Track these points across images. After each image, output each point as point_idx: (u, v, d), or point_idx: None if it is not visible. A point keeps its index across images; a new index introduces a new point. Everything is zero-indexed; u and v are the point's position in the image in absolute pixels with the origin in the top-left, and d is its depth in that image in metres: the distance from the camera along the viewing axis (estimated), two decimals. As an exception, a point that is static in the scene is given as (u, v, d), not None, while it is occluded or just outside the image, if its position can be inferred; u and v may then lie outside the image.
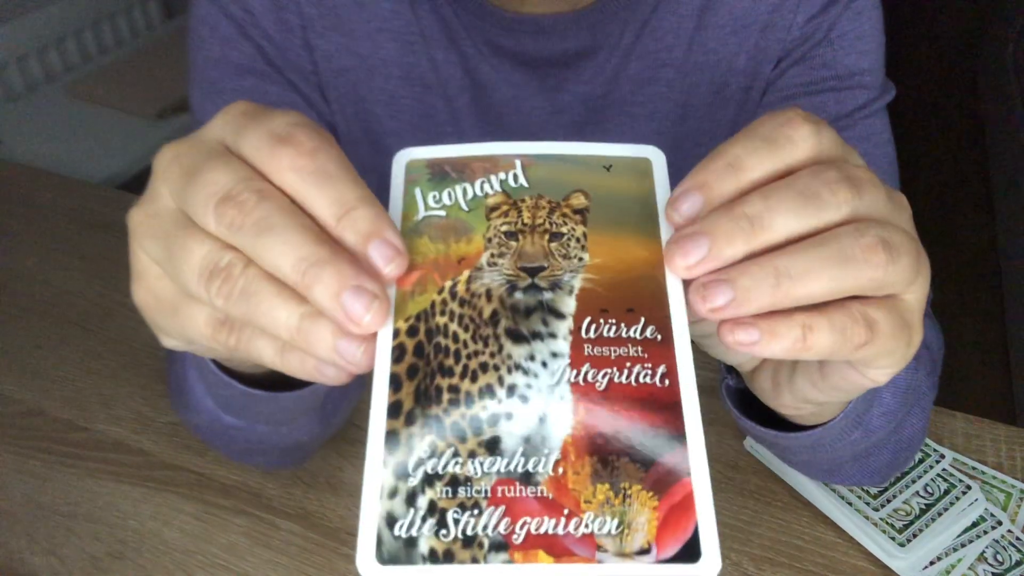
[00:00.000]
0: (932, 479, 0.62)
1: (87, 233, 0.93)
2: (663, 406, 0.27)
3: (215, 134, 0.29)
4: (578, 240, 0.30)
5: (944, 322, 0.60)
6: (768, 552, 0.59)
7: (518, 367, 0.28)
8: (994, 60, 2.61)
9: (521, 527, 0.25)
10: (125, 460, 0.67)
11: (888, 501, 0.60)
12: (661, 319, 0.28)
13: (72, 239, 0.92)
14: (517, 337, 0.28)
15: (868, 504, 0.60)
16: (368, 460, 0.26)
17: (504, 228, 0.30)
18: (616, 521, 0.25)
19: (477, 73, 0.58)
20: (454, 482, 0.26)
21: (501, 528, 0.25)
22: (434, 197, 0.31)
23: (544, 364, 0.28)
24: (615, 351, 0.28)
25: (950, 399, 0.67)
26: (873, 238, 0.27)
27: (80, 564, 0.60)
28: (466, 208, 0.31)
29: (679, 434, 0.26)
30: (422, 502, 0.25)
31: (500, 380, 0.27)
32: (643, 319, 0.28)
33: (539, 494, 0.26)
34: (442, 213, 0.31)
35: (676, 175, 0.31)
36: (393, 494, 0.25)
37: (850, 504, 0.60)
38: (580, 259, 0.30)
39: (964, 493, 0.60)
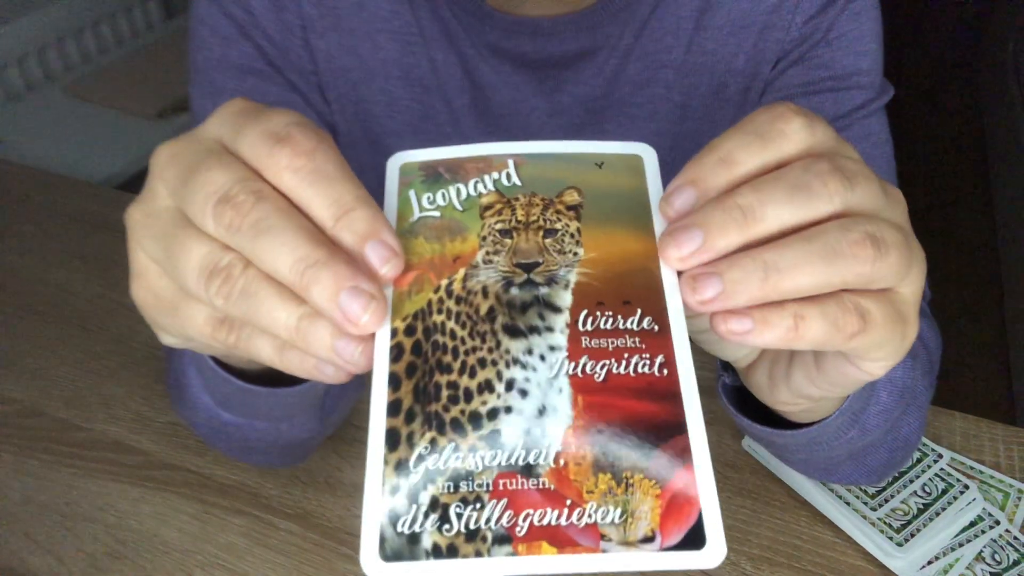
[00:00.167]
0: (930, 479, 0.62)
1: (87, 233, 0.93)
2: (663, 395, 0.27)
3: (212, 132, 0.29)
4: (572, 236, 0.30)
5: (944, 322, 0.60)
6: (766, 552, 0.59)
7: (516, 361, 0.28)
8: (994, 60, 2.61)
9: (524, 519, 0.25)
10: (124, 460, 0.67)
11: (886, 501, 0.60)
12: (657, 311, 0.29)
13: (72, 239, 0.92)
14: (514, 332, 0.28)
15: (866, 504, 0.60)
16: (369, 458, 0.26)
17: (498, 226, 0.31)
18: (619, 510, 0.25)
19: (476, 74, 0.58)
20: (455, 477, 0.26)
21: (504, 521, 0.25)
22: (428, 198, 0.32)
23: (542, 358, 0.28)
24: (613, 343, 0.28)
25: (949, 399, 0.68)
26: (861, 233, 0.27)
27: (79, 564, 0.60)
28: (460, 208, 0.31)
29: (680, 422, 0.27)
30: (424, 498, 0.25)
31: (499, 375, 0.28)
32: (640, 311, 0.28)
33: (541, 486, 0.26)
34: (437, 214, 0.31)
35: (675, 175, 0.31)
36: (395, 491, 0.26)
37: (848, 504, 0.60)
38: (575, 254, 0.30)
39: (962, 493, 0.61)
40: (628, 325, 0.28)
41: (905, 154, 0.58)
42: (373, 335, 0.28)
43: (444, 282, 0.29)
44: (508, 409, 0.27)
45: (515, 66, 0.57)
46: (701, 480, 0.26)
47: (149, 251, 0.29)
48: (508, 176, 0.32)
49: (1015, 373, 1.81)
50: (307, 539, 0.61)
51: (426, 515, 0.25)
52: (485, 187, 0.32)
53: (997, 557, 0.58)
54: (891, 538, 0.58)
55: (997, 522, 0.60)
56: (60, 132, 1.65)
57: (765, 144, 0.29)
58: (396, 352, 0.28)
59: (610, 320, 0.28)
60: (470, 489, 0.26)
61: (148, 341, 0.78)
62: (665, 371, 0.27)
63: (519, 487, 0.26)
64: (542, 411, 0.27)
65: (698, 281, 0.27)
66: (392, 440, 0.26)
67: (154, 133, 1.64)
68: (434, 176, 0.32)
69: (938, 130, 2.62)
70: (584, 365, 0.28)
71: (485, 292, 0.29)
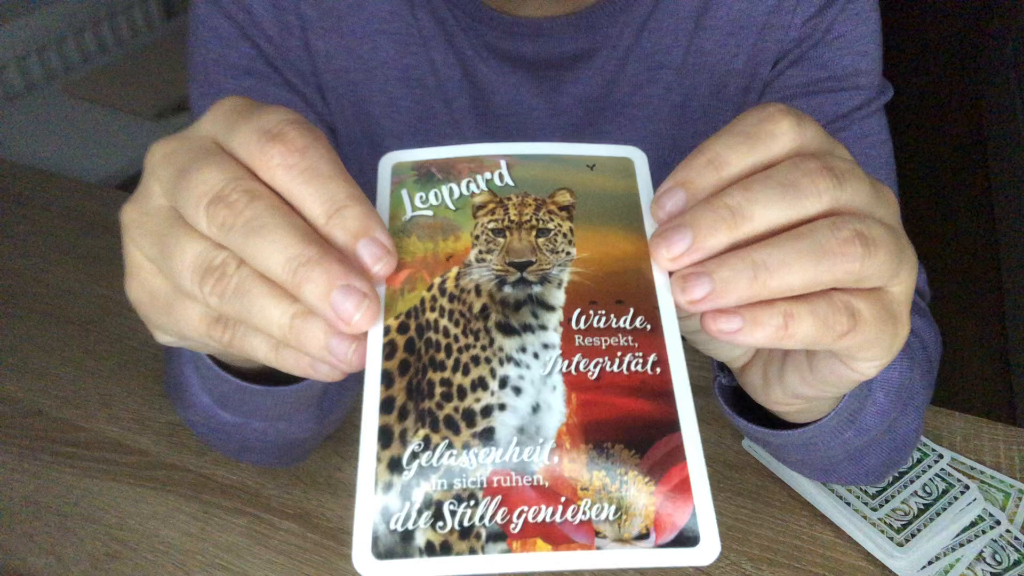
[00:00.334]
0: (930, 479, 0.62)
1: (86, 233, 0.93)
2: (655, 393, 0.27)
3: (206, 131, 0.29)
4: (565, 235, 0.30)
5: (944, 322, 0.60)
6: (767, 552, 0.59)
7: (510, 359, 0.28)
8: (994, 60, 2.61)
9: (518, 516, 0.25)
10: (124, 460, 0.67)
11: (886, 501, 0.60)
12: (650, 310, 0.29)
13: (71, 239, 0.92)
14: (508, 330, 0.28)
15: (866, 504, 0.60)
16: (362, 455, 0.26)
17: (491, 225, 0.31)
18: (613, 507, 0.25)
19: (476, 75, 0.58)
20: (449, 474, 0.26)
21: (498, 518, 0.25)
22: (421, 198, 0.32)
23: (536, 355, 0.28)
24: (606, 341, 0.28)
25: (949, 399, 0.68)
26: (850, 231, 0.27)
27: (79, 564, 0.60)
28: (453, 207, 0.31)
29: (673, 420, 0.27)
30: (417, 495, 0.25)
31: (492, 372, 0.28)
32: (632, 310, 0.29)
33: (535, 483, 0.26)
34: (429, 213, 0.31)
35: None
36: (388, 488, 0.25)
37: (848, 504, 0.60)
38: (568, 253, 0.30)
39: (962, 493, 0.60)
40: (621, 324, 0.28)
41: (905, 154, 0.58)
42: (366, 333, 0.28)
43: (437, 280, 0.29)
44: (502, 406, 0.27)
45: (514, 67, 0.57)
46: (694, 477, 0.26)
47: (144, 249, 0.29)
48: (500, 176, 0.32)
49: (1015, 373, 1.81)
50: (307, 539, 0.61)
51: (419, 512, 0.25)
52: (478, 187, 0.32)
53: (998, 557, 0.58)
54: (891, 538, 0.58)
55: (998, 522, 0.60)
56: (60, 132, 1.65)
57: (754, 145, 0.29)
58: (389, 350, 0.28)
59: (603, 319, 0.28)
60: (464, 486, 0.25)
61: (148, 341, 0.78)
62: (658, 370, 0.28)
63: (513, 484, 0.26)
64: (536, 408, 0.27)
65: (688, 281, 0.28)
66: (385, 437, 0.26)
67: (153, 133, 1.64)
68: (427, 176, 0.32)
69: (938, 130, 2.62)
70: (578, 363, 0.28)
71: (478, 290, 0.29)
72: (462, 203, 0.31)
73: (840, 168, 0.28)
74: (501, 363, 0.28)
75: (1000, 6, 2.68)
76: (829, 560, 0.59)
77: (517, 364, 0.28)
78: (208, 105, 0.58)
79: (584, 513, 0.25)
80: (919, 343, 0.53)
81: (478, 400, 0.27)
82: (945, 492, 0.61)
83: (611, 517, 0.25)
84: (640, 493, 0.25)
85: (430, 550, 0.25)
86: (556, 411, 0.27)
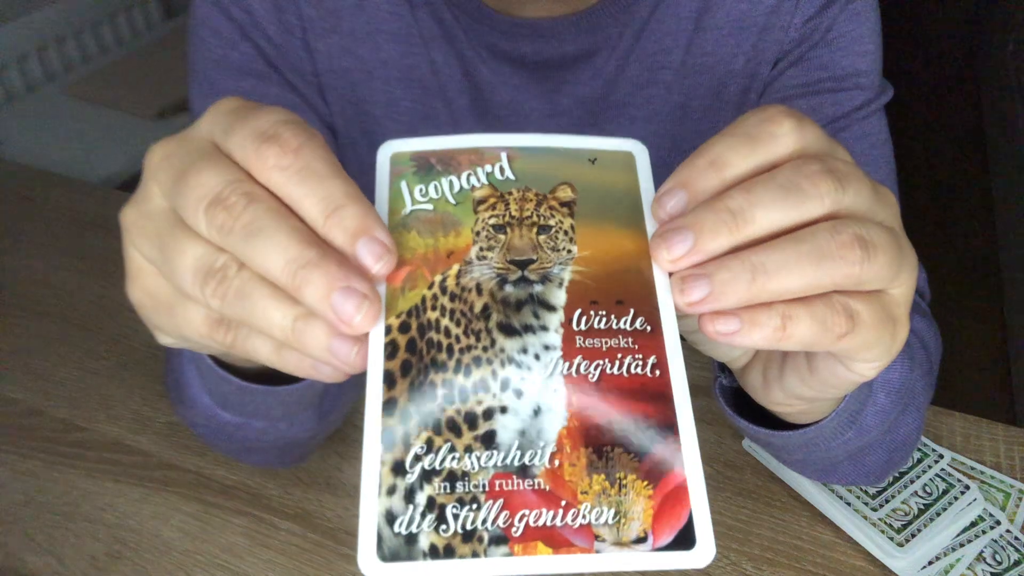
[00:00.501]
0: (931, 479, 0.62)
1: (87, 233, 0.93)
2: (654, 396, 0.27)
3: (204, 132, 0.29)
4: (566, 233, 0.30)
5: (944, 322, 0.60)
6: (767, 552, 0.59)
7: (511, 361, 0.28)
8: (994, 60, 2.61)
9: (520, 520, 0.25)
10: (124, 460, 0.68)
11: (887, 501, 0.60)
12: (649, 311, 0.29)
13: (72, 239, 0.92)
14: (509, 331, 0.28)
15: (867, 504, 0.60)
16: (365, 458, 0.26)
17: (492, 221, 0.31)
18: (612, 511, 0.26)
19: (476, 75, 0.58)
20: (451, 477, 0.26)
21: (500, 521, 0.25)
22: (420, 191, 0.31)
23: (537, 357, 0.28)
24: (606, 343, 0.28)
25: (949, 399, 0.68)
26: (850, 235, 0.27)
27: (79, 564, 0.60)
28: (453, 201, 0.31)
29: (671, 423, 0.27)
30: (420, 498, 0.26)
31: (494, 374, 0.28)
32: (632, 311, 0.29)
33: (536, 487, 0.26)
34: (429, 207, 0.31)
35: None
36: (391, 491, 0.26)
37: (849, 504, 0.60)
38: (569, 251, 0.30)
39: (963, 493, 0.61)
40: (621, 325, 0.28)
41: (905, 154, 0.58)
42: (368, 334, 0.28)
43: (438, 278, 0.29)
44: (503, 409, 0.27)
45: (515, 67, 0.57)
46: (691, 481, 0.26)
47: (144, 252, 0.29)
48: (501, 170, 0.32)
49: (1015, 373, 1.81)
50: (307, 539, 0.61)
51: (423, 515, 0.25)
52: (478, 180, 0.32)
53: (998, 557, 0.58)
54: (892, 538, 0.58)
55: (998, 522, 0.60)
56: (60, 132, 1.65)
57: (755, 146, 0.29)
58: (391, 350, 0.28)
59: (603, 320, 0.28)
60: (466, 490, 0.26)
61: (148, 341, 0.78)
62: (657, 372, 0.28)
63: (515, 488, 0.26)
64: (537, 411, 0.27)
65: (687, 283, 0.28)
66: (388, 440, 0.26)
67: (154, 133, 1.64)
68: (426, 168, 0.32)
69: (938, 130, 2.62)
70: (578, 365, 0.28)
71: (479, 289, 0.29)
72: (462, 197, 0.31)
73: (841, 170, 0.28)
74: (502, 364, 0.28)
75: (1000, 6, 2.68)
76: (829, 560, 0.59)
77: (518, 366, 0.28)
78: (208, 105, 0.58)
79: (584, 517, 0.25)
80: (919, 343, 0.53)
81: (480, 402, 0.27)
82: (945, 492, 0.61)
83: (610, 521, 0.25)
84: (638, 497, 0.26)
85: (434, 553, 0.25)
86: (557, 414, 0.27)
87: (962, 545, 0.58)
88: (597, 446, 0.26)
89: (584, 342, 0.28)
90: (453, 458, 0.26)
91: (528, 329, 0.28)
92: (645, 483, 0.26)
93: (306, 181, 0.27)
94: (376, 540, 0.25)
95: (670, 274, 0.29)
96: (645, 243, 0.30)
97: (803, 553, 0.59)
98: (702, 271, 0.27)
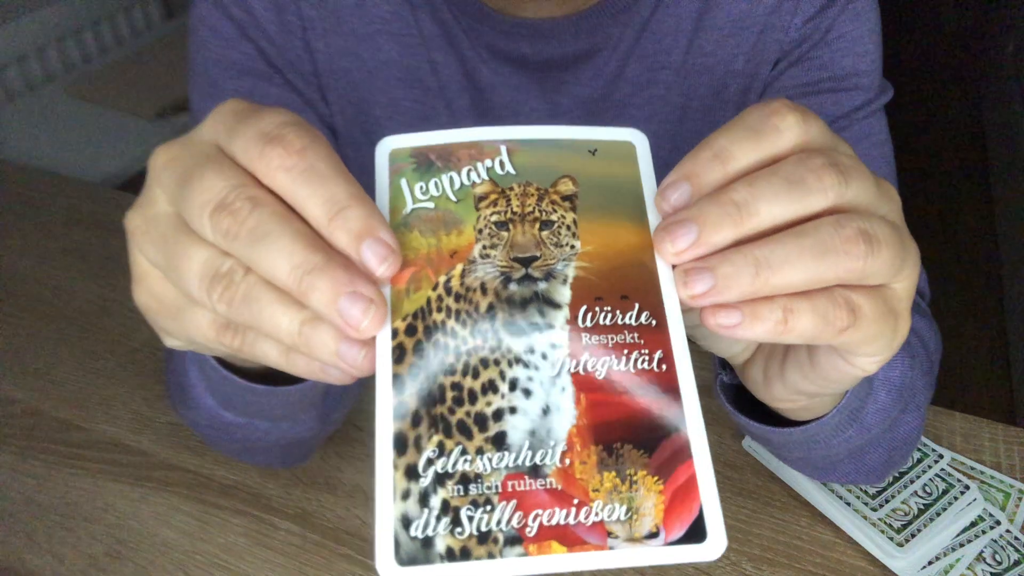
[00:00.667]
0: (931, 479, 0.62)
1: (87, 233, 0.93)
2: (662, 391, 0.27)
3: (208, 135, 0.29)
4: (568, 228, 0.30)
5: (944, 322, 0.60)
6: (767, 552, 0.59)
7: (518, 360, 0.28)
8: (994, 60, 2.61)
9: (533, 520, 0.26)
10: (124, 460, 0.68)
11: (887, 501, 0.60)
12: (654, 305, 0.29)
13: (72, 239, 0.92)
14: (515, 330, 0.28)
15: (867, 504, 0.60)
16: (378, 463, 0.26)
17: (494, 218, 0.30)
18: (624, 508, 0.26)
19: (476, 76, 0.58)
20: (465, 480, 0.26)
21: (514, 522, 0.26)
22: (421, 188, 0.31)
23: (544, 356, 0.28)
24: (612, 339, 0.28)
25: (949, 398, 0.68)
26: (853, 230, 0.27)
27: (79, 564, 0.60)
28: (454, 199, 0.31)
29: (679, 417, 0.27)
30: (435, 502, 0.26)
31: (502, 375, 0.28)
32: (637, 305, 0.29)
33: (548, 486, 0.26)
34: (430, 205, 0.31)
35: None
36: (406, 495, 0.26)
37: (849, 504, 0.60)
38: (572, 247, 0.30)
39: (962, 493, 0.61)
40: (626, 320, 0.28)
41: (905, 154, 0.58)
42: (375, 338, 0.28)
43: (442, 279, 0.29)
44: (513, 410, 0.27)
45: (515, 68, 0.57)
46: (701, 474, 0.26)
47: (150, 256, 0.29)
48: (501, 164, 0.32)
49: (1015, 373, 1.81)
50: (307, 539, 0.61)
51: (438, 519, 0.25)
52: (478, 176, 0.31)
53: (998, 557, 0.58)
54: (892, 538, 0.58)
55: (998, 522, 0.60)
56: (60, 132, 1.65)
57: (759, 140, 0.29)
58: (398, 354, 0.28)
59: (609, 316, 0.28)
60: (480, 492, 0.26)
61: (148, 341, 0.78)
62: (664, 366, 0.28)
63: (527, 488, 0.26)
64: (546, 411, 0.27)
65: (690, 276, 0.28)
66: (400, 444, 0.26)
67: (154, 133, 1.65)
68: (426, 164, 0.32)
69: (938, 130, 2.62)
70: (585, 362, 0.28)
71: (484, 288, 0.29)
72: (463, 194, 0.31)
73: (845, 164, 0.28)
74: (510, 365, 0.28)
75: (1000, 6, 2.68)
76: (829, 560, 0.59)
77: (526, 365, 0.28)
78: (209, 105, 0.58)
79: (596, 514, 0.26)
80: (920, 343, 0.53)
81: (489, 404, 0.27)
82: (945, 492, 0.61)
83: (622, 517, 0.26)
84: (649, 492, 0.26)
85: (450, 555, 0.25)
86: (566, 413, 0.27)
87: (962, 545, 0.58)
88: (607, 443, 0.27)
89: (590, 339, 0.28)
90: (465, 460, 0.26)
91: (534, 327, 0.28)
92: (655, 478, 0.26)
93: (310, 182, 0.27)
94: (394, 545, 0.25)
95: (673, 267, 0.29)
96: (648, 236, 0.30)
97: (803, 553, 0.59)
98: (705, 264, 0.27)
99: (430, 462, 0.26)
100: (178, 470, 0.66)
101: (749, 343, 0.39)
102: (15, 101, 1.73)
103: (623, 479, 0.26)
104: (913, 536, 0.58)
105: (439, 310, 0.28)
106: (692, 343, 0.30)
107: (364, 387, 0.61)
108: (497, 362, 0.28)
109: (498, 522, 0.25)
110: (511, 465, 0.26)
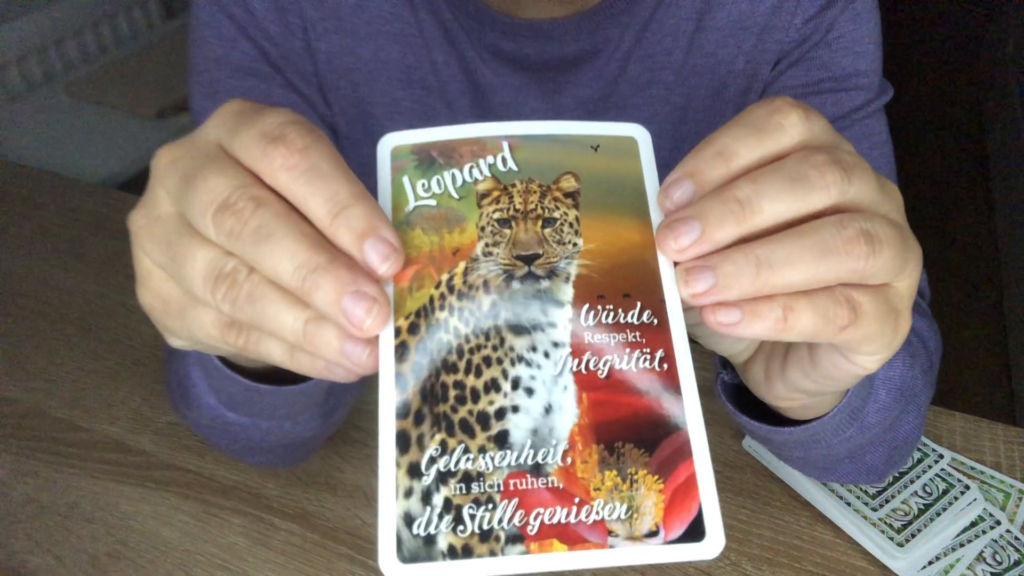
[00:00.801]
0: (931, 479, 0.62)
1: (87, 233, 0.93)
2: (663, 390, 0.27)
3: (210, 135, 0.29)
4: (571, 225, 0.30)
5: (944, 322, 0.60)
6: (767, 552, 0.59)
7: (521, 359, 0.28)
8: (994, 60, 2.61)
9: (535, 518, 0.26)
10: (124, 460, 0.68)
11: (887, 501, 0.60)
12: (656, 303, 0.29)
13: (72, 239, 0.92)
14: (518, 329, 0.28)
15: (867, 504, 0.60)
16: (381, 461, 0.26)
17: (496, 216, 0.30)
18: (625, 506, 0.26)
19: (477, 76, 0.58)
20: (467, 478, 0.26)
21: (516, 520, 0.26)
22: (423, 185, 0.31)
23: (546, 354, 0.28)
24: (614, 337, 0.28)
25: (949, 399, 0.68)
26: (855, 230, 0.27)
27: (79, 564, 0.60)
28: (456, 196, 0.31)
29: (680, 417, 0.27)
30: (437, 500, 0.26)
31: (504, 374, 0.28)
32: (639, 304, 0.29)
33: (550, 485, 0.26)
34: (433, 203, 0.31)
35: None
36: (408, 494, 0.26)
37: (849, 504, 0.60)
38: (574, 244, 0.30)
39: (963, 493, 0.61)
40: (628, 319, 0.28)
41: (905, 154, 0.58)
42: (378, 336, 0.28)
43: (445, 277, 0.29)
44: (515, 408, 0.27)
45: (516, 68, 0.57)
46: (701, 473, 0.26)
47: (153, 256, 0.30)
48: (504, 160, 0.32)
49: (1015, 373, 1.81)
50: (307, 539, 0.61)
51: (440, 517, 0.26)
52: (480, 173, 0.31)
53: (998, 557, 0.58)
54: (892, 538, 0.58)
55: (998, 522, 0.60)
56: (60, 132, 1.65)
57: (762, 137, 0.29)
58: (401, 352, 0.28)
59: (611, 314, 0.28)
60: (482, 490, 0.26)
61: (148, 341, 0.78)
62: (665, 366, 0.28)
63: (529, 487, 0.26)
64: (548, 409, 0.27)
65: (691, 274, 0.28)
66: (403, 442, 0.27)
67: (154, 133, 1.65)
68: (427, 161, 0.32)
69: (938, 130, 2.62)
70: (588, 361, 0.28)
71: (486, 287, 0.29)
72: (465, 191, 0.31)
73: (848, 161, 0.28)
74: (513, 363, 0.28)
75: (1000, 6, 2.68)
76: (829, 560, 0.59)
77: (528, 364, 0.28)
78: (209, 105, 0.58)
79: (597, 513, 0.26)
80: (920, 343, 0.53)
81: (491, 403, 0.27)
82: (945, 492, 0.61)
83: (623, 516, 0.26)
84: (649, 491, 0.26)
85: (452, 553, 0.25)
86: (568, 411, 0.27)
87: (962, 545, 0.58)
88: (608, 442, 0.27)
89: (592, 338, 0.28)
90: (468, 459, 0.26)
91: (537, 326, 0.28)
92: (656, 477, 0.26)
93: (313, 181, 0.27)
94: (396, 542, 0.25)
95: (675, 265, 0.29)
96: (650, 234, 0.30)
97: (803, 553, 0.59)
98: (706, 263, 0.27)
99: (432, 460, 0.26)
100: (178, 470, 0.66)
101: (750, 342, 0.39)
102: (16, 101, 1.73)
103: (624, 478, 0.26)
104: (913, 536, 0.58)
105: (442, 308, 0.29)
106: (693, 342, 0.30)
107: (365, 386, 0.61)
108: (500, 360, 0.28)
109: (500, 520, 0.26)
110: (513, 464, 0.26)
